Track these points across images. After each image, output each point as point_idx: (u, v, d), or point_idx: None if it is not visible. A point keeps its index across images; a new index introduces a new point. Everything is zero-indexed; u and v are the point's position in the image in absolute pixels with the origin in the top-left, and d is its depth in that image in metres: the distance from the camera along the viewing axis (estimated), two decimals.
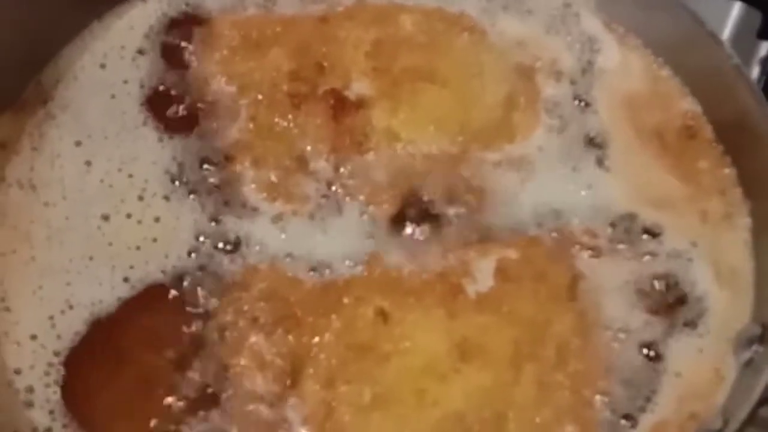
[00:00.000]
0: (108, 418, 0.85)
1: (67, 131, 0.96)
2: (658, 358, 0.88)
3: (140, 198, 0.93)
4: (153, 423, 0.84)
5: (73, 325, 0.88)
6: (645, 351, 0.88)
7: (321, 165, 0.95)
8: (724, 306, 0.91)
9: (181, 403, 0.85)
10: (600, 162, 0.97)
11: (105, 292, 0.89)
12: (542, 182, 0.96)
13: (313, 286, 0.89)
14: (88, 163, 0.95)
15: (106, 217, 0.93)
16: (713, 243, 0.94)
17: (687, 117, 1.00)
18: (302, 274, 0.90)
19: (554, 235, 0.93)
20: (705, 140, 0.99)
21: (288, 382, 0.85)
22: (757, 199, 0.95)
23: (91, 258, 0.91)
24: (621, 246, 0.93)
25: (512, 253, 0.91)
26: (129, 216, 0.93)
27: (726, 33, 1.19)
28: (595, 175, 0.96)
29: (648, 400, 0.87)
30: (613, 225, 0.94)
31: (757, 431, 0.81)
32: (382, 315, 0.87)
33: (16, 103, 0.97)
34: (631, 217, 0.94)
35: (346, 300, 0.88)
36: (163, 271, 0.90)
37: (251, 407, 0.84)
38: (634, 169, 0.97)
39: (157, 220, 0.93)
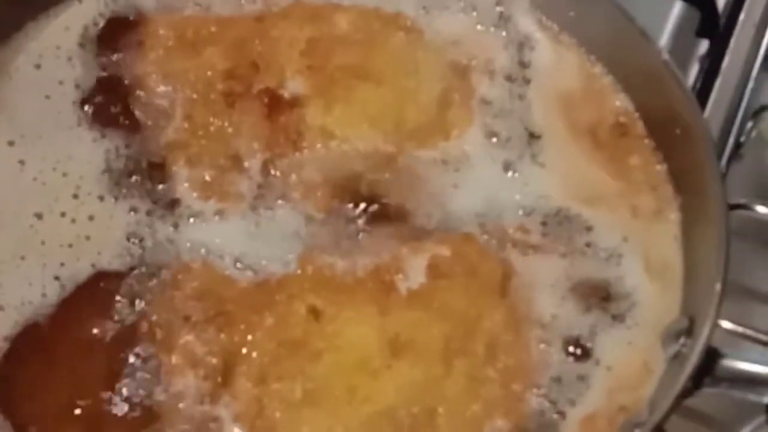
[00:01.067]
0: (40, 420, 0.85)
1: (0, 131, 0.96)
2: (587, 351, 0.89)
3: (75, 196, 0.93)
4: (85, 424, 0.84)
5: (2, 326, 0.88)
6: (575, 345, 0.89)
7: (255, 163, 0.95)
8: (654, 300, 0.92)
9: (114, 403, 0.85)
10: (534, 159, 0.98)
11: (35, 292, 0.89)
12: (476, 179, 0.96)
13: (246, 284, 0.89)
14: (22, 162, 0.95)
15: (39, 216, 0.92)
16: (644, 238, 0.95)
17: (619, 114, 1.01)
18: (235, 273, 0.90)
19: (487, 231, 0.93)
20: (637, 137, 1.00)
21: (220, 379, 0.85)
22: (687, 194, 0.96)
23: (22, 258, 0.91)
24: (553, 242, 0.94)
25: (445, 250, 0.91)
26: (63, 215, 0.93)
27: (666, 31, 1.21)
28: (529, 172, 0.97)
29: (578, 393, 0.87)
30: (545, 221, 0.95)
31: (680, 420, 0.81)
32: (314, 312, 0.87)
33: None
34: (564, 213, 0.95)
35: (278, 298, 0.88)
36: (96, 270, 0.90)
37: (183, 405, 0.84)
38: (567, 166, 0.98)
39: (91, 218, 0.93)
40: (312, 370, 0.85)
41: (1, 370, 0.86)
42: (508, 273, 0.91)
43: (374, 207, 0.94)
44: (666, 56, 0.97)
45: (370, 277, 0.90)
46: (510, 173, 0.97)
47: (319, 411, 0.84)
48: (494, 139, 0.99)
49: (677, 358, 0.87)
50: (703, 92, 1.15)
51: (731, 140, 1.14)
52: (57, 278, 0.90)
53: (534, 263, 0.92)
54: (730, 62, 1.17)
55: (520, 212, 0.95)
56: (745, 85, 1.16)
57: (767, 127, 1.14)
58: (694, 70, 1.21)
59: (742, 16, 1.20)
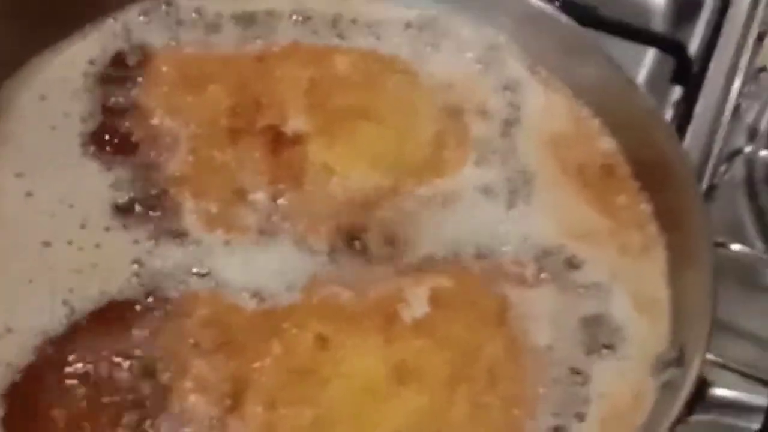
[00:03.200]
0: None
1: (7, 163, 0.97)
2: (582, 381, 0.92)
3: (82, 226, 0.95)
4: None
5: (12, 350, 0.88)
6: (571, 374, 0.92)
7: (260, 197, 0.98)
8: (643, 332, 0.95)
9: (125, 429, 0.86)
10: (526, 196, 1.01)
11: (44, 316, 0.90)
12: (472, 215, 1.00)
13: (253, 312, 0.91)
14: (29, 194, 0.96)
15: (47, 243, 0.94)
16: (632, 274, 0.98)
17: (606, 156, 1.05)
18: (242, 301, 0.92)
19: (484, 264, 0.97)
20: (623, 177, 1.04)
21: (230, 404, 0.86)
22: (672, 232, 1.00)
23: (30, 281, 0.92)
24: (546, 276, 0.97)
25: (445, 281, 0.94)
26: (70, 243, 0.94)
27: (641, 77, 1.26)
28: (522, 209, 1.01)
29: (574, 421, 0.90)
30: (538, 256, 0.98)
31: None
32: (322, 340, 0.89)
33: None
34: (556, 249, 0.98)
35: (285, 326, 0.90)
36: (103, 296, 0.91)
37: (193, 430, 0.86)
38: (558, 205, 1.01)
39: (97, 246, 0.94)
40: (320, 396, 0.87)
41: (12, 398, 0.87)
42: (505, 305, 0.94)
43: (375, 240, 0.97)
44: (652, 103, 1.02)
45: (375, 306, 0.92)
46: (504, 210, 1.01)
47: None
48: (488, 178, 1.02)
49: (667, 387, 0.91)
50: (677, 135, 1.19)
51: (704, 182, 1.18)
52: (66, 303, 0.91)
53: (529, 296, 0.96)
54: (702, 107, 1.22)
55: (514, 247, 0.98)
56: (717, 130, 1.21)
57: (739, 171, 1.20)
58: (668, 114, 1.26)
59: (712, 64, 1.25)
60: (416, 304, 0.93)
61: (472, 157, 1.03)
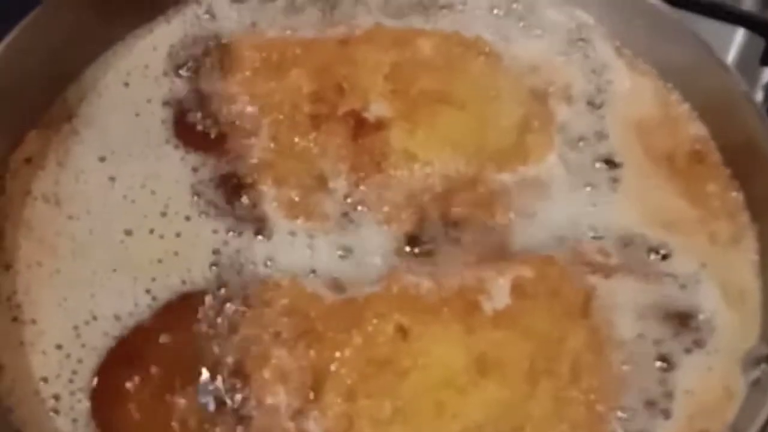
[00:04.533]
0: (132, 428, 0.87)
1: (91, 147, 0.99)
2: (669, 375, 0.90)
3: (163, 214, 0.96)
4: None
5: (97, 335, 0.90)
6: (657, 368, 0.90)
7: (340, 184, 0.97)
8: (733, 326, 0.93)
9: (204, 417, 0.86)
10: (612, 184, 0.99)
11: (127, 304, 0.91)
12: (556, 203, 0.98)
13: (333, 302, 0.91)
14: (112, 179, 0.97)
15: (128, 232, 0.95)
16: (721, 264, 0.96)
17: (696, 141, 1.03)
18: (322, 291, 0.92)
19: (567, 254, 0.95)
20: (713, 164, 1.01)
21: (310, 395, 0.86)
22: (764, 222, 0.97)
23: (114, 270, 0.93)
24: (632, 266, 0.95)
25: (527, 271, 0.93)
26: (151, 231, 0.95)
27: (730, 58, 1.22)
28: (607, 197, 0.99)
29: (659, 416, 0.88)
30: (624, 245, 0.96)
31: None
32: (402, 331, 0.88)
33: (42, 119, 0.99)
34: (642, 238, 0.96)
35: (365, 316, 0.89)
36: (184, 285, 0.92)
37: (273, 420, 0.86)
38: (645, 192, 0.99)
39: (178, 235, 0.95)
40: (400, 387, 0.86)
41: (99, 379, 0.88)
42: (590, 295, 0.93)
43: (456, 228, 0.96)
44: (744, 86, 0.99)
45: (455, 296, 0.91)
46: (588, 197, 0.99)
47: (408, 428, 0.85)
48: (573, 164, 1.00)
49: (758, 385, 0.89)
50: None
51: None
52: (148, 291, 0.92)
53: (614, 286, 0.94)
54: None
55: (599, 236, 0.96)
56: None
57: None
58: (758, 97, 1.22)
59: None
60: (497, 294, 0.91)
61: (556, 142, 1.01)
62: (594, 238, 0.96)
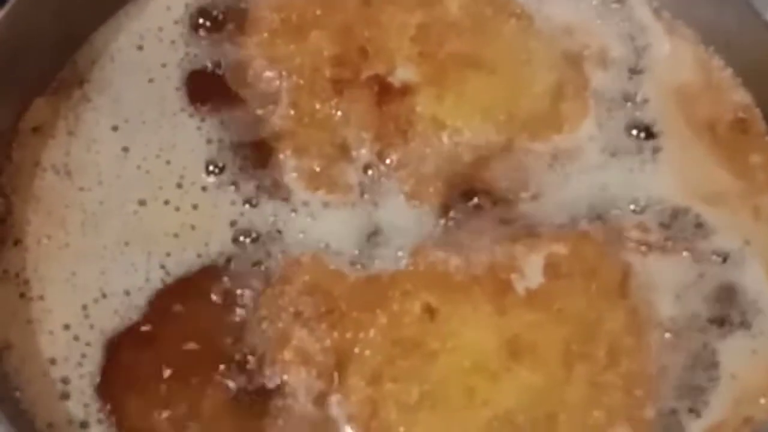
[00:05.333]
0: (146, 412, 0.83)
1: (103, 115, 0.94)
2: (712, 358, 0.86)
3: (178, 185, 0.91)
4: (192, 418, 0.83)
5: (106, 315, 0.86)
6: (698, 350, 0.86)
7: (364, 153, 0.93)
8: None
9: (221, 399, 0.83)
10: (651, 154, 0.95)
11: (140, 280, 0.87)
12: (591, 175, 0.94)
13: (356, 279, 0.87)
14: (125, 149, 0.93)
15: (142, 203, 0.91)
16: (766, 242, 0.91)
17: (739, 110, 0.97)
18: (345, 267, 0.88)
19: (604, 229, 0.90)
20: (758, 134, 0.96)
21: (333, 378, 0.83)
22: None
23: (126, 244, 0.89)
24: (673, 242, 0.90)
25: (561, 248, 0.88)
26: (167, 203, 0.91)
27: None
28: (646, 168, 0.94)
29: (702, 402, 0.85)
30: (664, 220, 0.91)
31: None
32: (429, 311, 0.85)
33: (51, 85, 0.94)
34: (684, 212, 0.92)
35: (391, 295, 0.86)
36: (201, 260, 0.88)
37: (294, 403, 0.82)
38: (686, 163, 0.94)
39: (195, 207, 0.91)
40: (428, 371, 0.83)
41: (109, 359, 0.85)
42: (627, 274, 0.88)
43: (486, 200, 0.91)
44: None
45: (486, 275, 0.87)
46: (626, 169, 0.94)
47: (436, 414, 0.82)
48: (609, 134, 0.95)
49: None
50: None
51: None
52: (163, 267, 0.88)
53: (654, 264, 0.89)
54: None
55: (637, 210, 0.92)
56: None
57: None
58: None
59: None
60: (530, 273, 0.87)
61: (592, 110, 0.96)
62: (632, 212, 0.92)
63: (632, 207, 0.92)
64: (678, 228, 0.91)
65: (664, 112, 0.97)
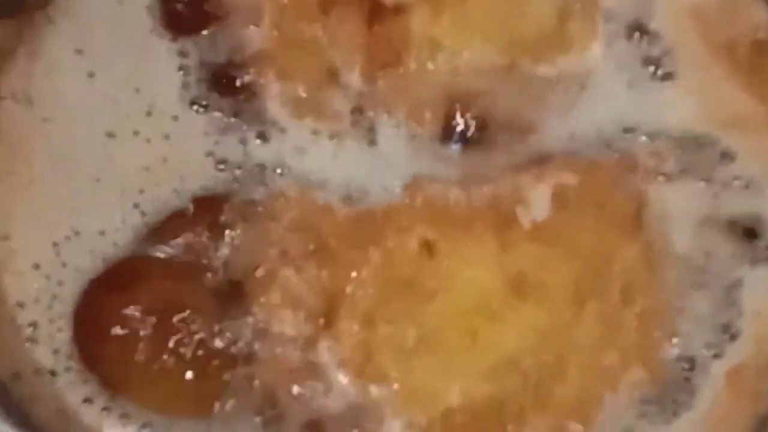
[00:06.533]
0: (121, 358, 0.79)
1: (67, 38, 0.88)
2: (733, 294, 0.82)
3: (148, 114, 0.86)
4: (172, 364, 0.79)
5: (80, 253, 0.82)
6: (719, 286, 0.82)
7: (354, 78, 0.87)
8: None
9: (202, 346, 0.79)
10: (665, 78, 0.89)
11: (114, 219, 0.83)
12: (601, 99, 0.88)
13: (347, 215, 0.82)
14: (91, 75, 0.87)
15: (111, 135, 0.85)
16: None
17: (759, 29, 0.91)
18: (335, 202, 0.83)
19: (616, 157, 0.85)
20: None
21: (322, 322, 0.79)
22: None
23: (97, 180, 0.84)
24: (690, 170, 0.85)
25: (570, 178, 0.83)
26: (136, 133, 0.85)
27: None
28: (660, 92, 0.88)
29: (723, 340, 0.81)
30: (680, 147, 0.86)
31: None
32: (427, 247, 0.81)
33: (8, 5, 0.87)
34: (701, 138, 0.87)
35: (385, 230, 0.81)
36: (176, 196, 0.83)
37: (281, 350, 0.78)
38: (703, 87, 0.89)
39: (166, 137, 0.85)
40: (425, 312, 0.79)
41: (81, 308, 0.81)
42: (641, 204, 0.84)
43: (488, 128, 0.86)
44: None
45: (488, 207, 0.82)
46: (639, 93, 0.88)
47: (435, 358, 0.78)
48: (620, 56, 0.89)
49: None
50: None
51: None
52: (137, 206, 0.83)
53: (669, 193, 0.85)
54: None
55: (652, 137, 0.86)
56: None
57: None
58: None
59: None
60: (536, 204, 0.82)
61: (601, 30, 0.90)
62: (646, 139, 0.86)
63: (646, 133, 0.86)
64: (696, 155, 0.86)
65: (679, 33, 0.90)
